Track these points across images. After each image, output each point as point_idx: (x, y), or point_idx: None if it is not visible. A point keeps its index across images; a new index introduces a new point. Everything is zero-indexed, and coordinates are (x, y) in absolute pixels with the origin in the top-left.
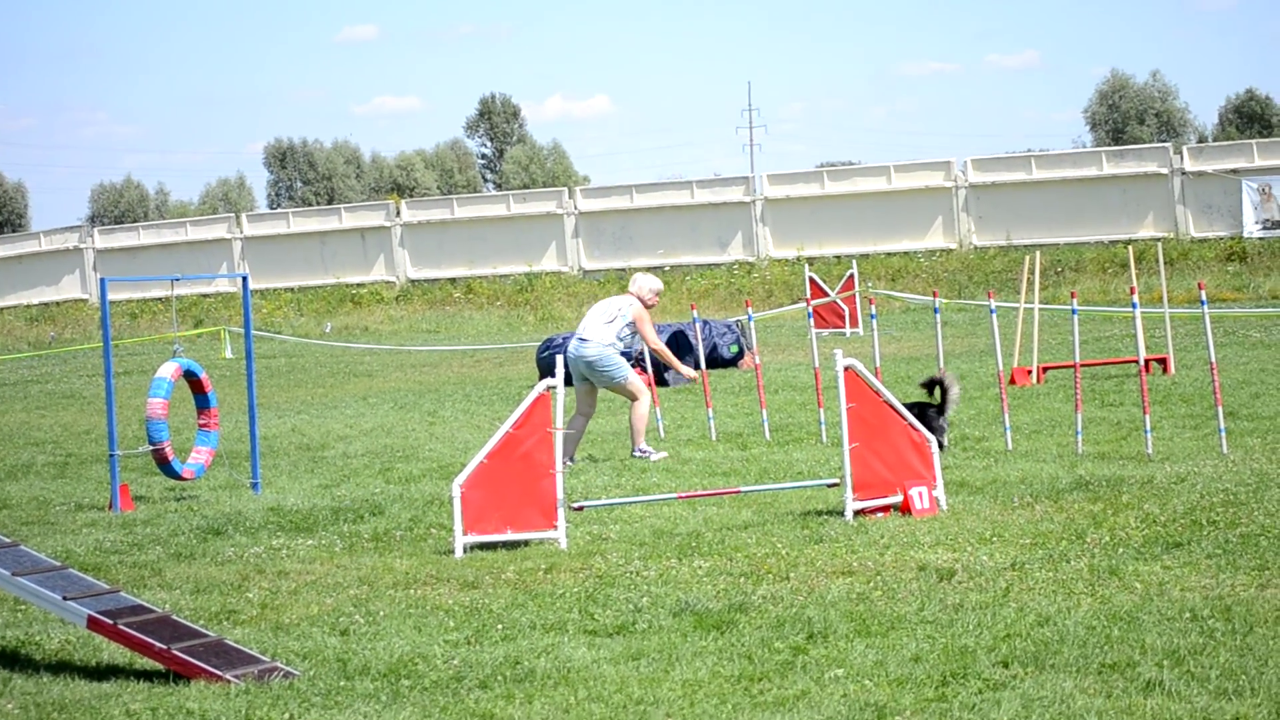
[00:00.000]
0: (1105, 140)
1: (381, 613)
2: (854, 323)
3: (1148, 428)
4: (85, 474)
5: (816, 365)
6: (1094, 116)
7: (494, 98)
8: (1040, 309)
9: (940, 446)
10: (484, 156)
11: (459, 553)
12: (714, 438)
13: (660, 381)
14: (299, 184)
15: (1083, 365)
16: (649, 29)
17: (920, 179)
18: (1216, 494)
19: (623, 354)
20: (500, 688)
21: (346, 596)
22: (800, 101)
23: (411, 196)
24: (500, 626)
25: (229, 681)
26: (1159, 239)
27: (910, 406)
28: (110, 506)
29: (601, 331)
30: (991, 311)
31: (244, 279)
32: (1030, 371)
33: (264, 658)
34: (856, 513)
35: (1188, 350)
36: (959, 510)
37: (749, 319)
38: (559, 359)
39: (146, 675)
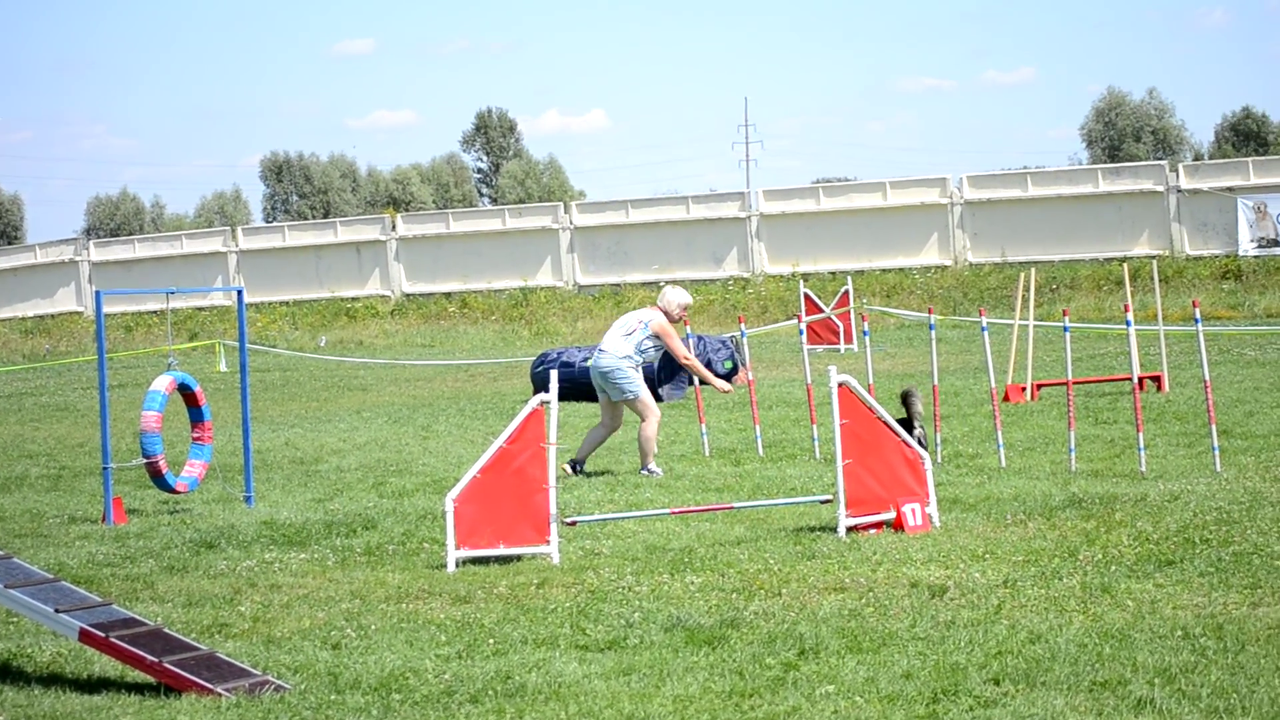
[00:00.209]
0: (1101, 157)
1: (373, 627)
2: (848, 339)
3: (1141, 445)
4: (79, 487)
5: (810, 381)
6: (1090, 134)
7: (490, 112)
8: (1035, 326)
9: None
10: (480, 171)
11: (451, 567)
12: (707, 453)
13: (654, 397)
14: (295, 197)
15: (1076, 382)
16: (645, 44)
17: (916, 195)
18: (1209, 512)
19: (644, 368)
20: (491, 702)
21: (338, 610)
22: (796, 117)
23: (407, 210)
24: (492, 641)
25: (220, 695)
26: (1154, 256)
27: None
28: (103, 519)
29: (620, 344)
30: (983, 329)
31: (239, 292)
32: (1024, 389)
33: (255, 671)
34: (849, 529)
35: (1182, 368)
36: (952, 527)
37: (743, 335)
38: (553, 374)
39: (138, 688)
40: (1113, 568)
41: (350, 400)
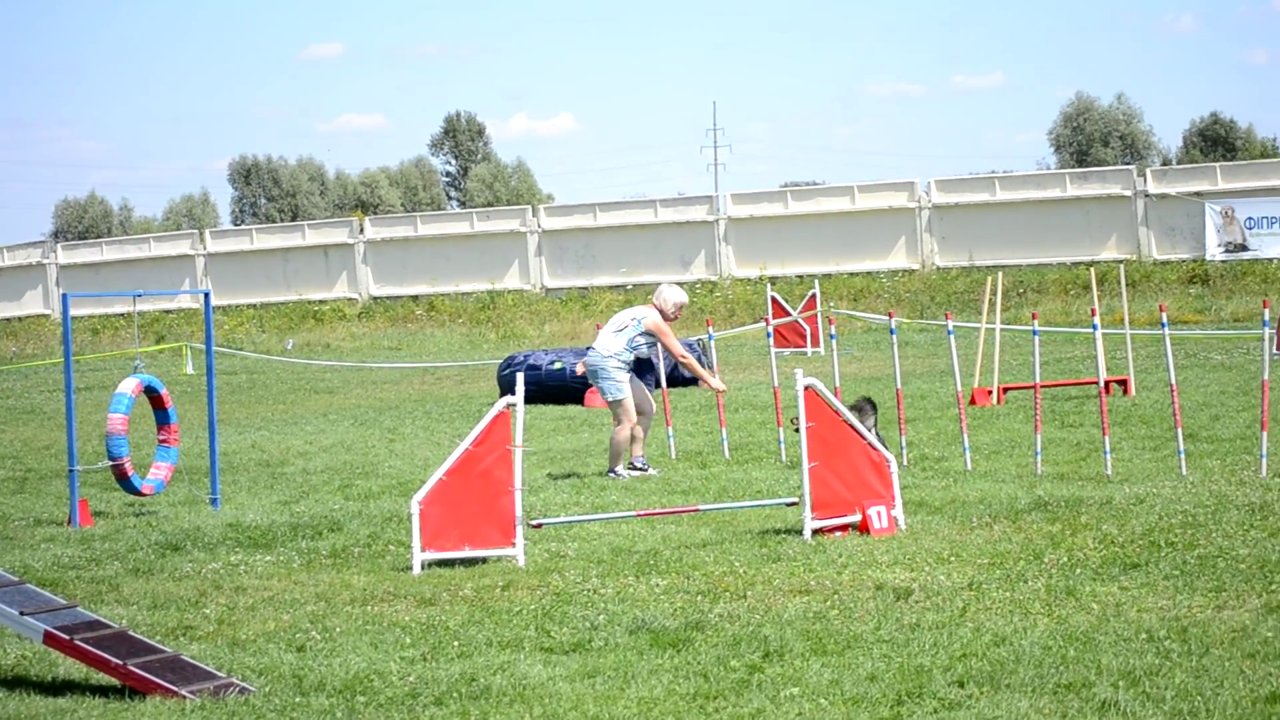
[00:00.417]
0: (1069, 162)
1: (338, 629)
2: (815, 342)
3: (1107, 449)
4: (45, 489)
5: (776, 384)
6: (1058, 138)
7: (459, 116)
8: (1002, 329)
9: None
10: (448, 174)
11: (417, 569)
12: (673, 456)
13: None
14: (263, 201)
15: (1043, 386)
16: (614, 48)
17: (884, 199)
18: (1175, 515)
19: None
20: (456, 705)
21: (304, 613)
22: (765, 121)
23: (375, 214)
24: (457, 643)
25: (185, 697)
26: (1121, 261)
27: None
28: (69, 522)
29: (610, 341)
30: (949, 332)
31: (206, 295)
32: (990, 392)
33: (220, 674)
34: (815, 532)
35: (1148, 372)
36: (917, 530)
37: (710, 338)
38: (519, 377)
39: (103, 691)
40: (1078, 570)
41: (317, 403)
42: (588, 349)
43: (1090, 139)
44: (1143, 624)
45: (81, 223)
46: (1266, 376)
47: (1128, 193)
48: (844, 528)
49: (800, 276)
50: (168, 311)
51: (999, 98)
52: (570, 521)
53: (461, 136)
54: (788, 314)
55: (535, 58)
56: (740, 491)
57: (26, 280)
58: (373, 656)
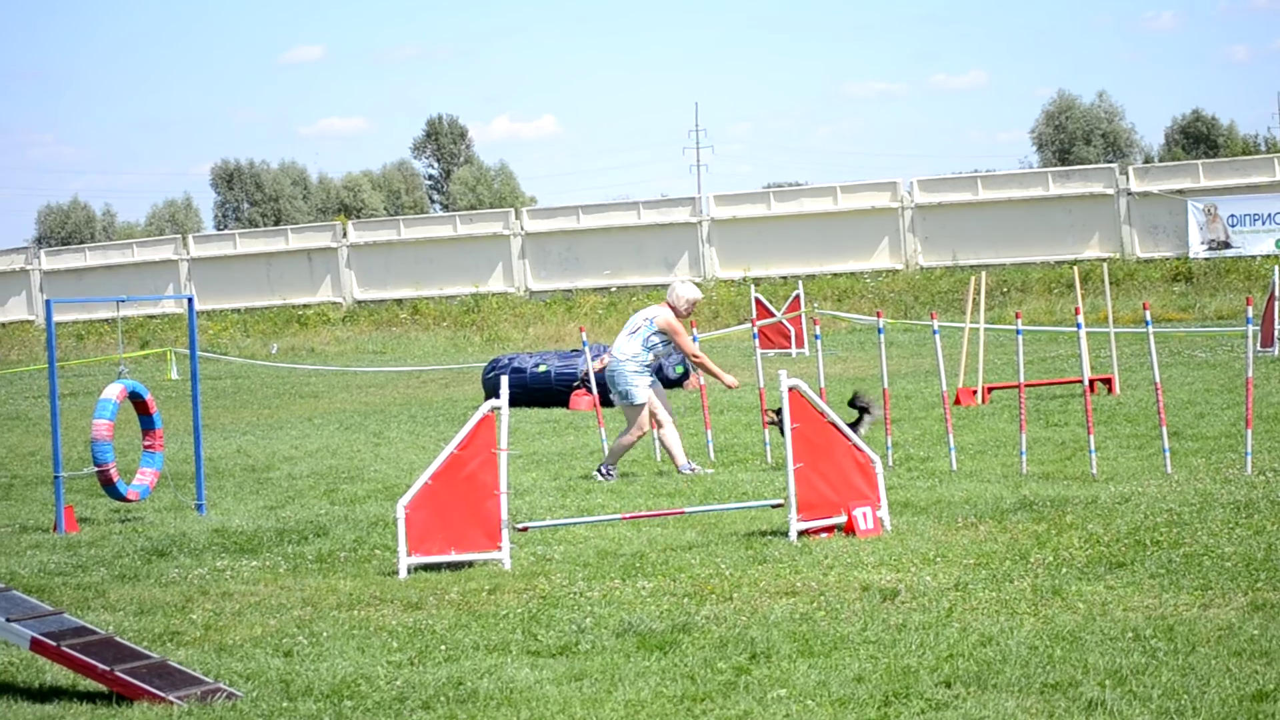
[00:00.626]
0: (1052, 161)
1: (325, 634)
2: (799, 343)
3: (1092, 448)
4: (30, 496)
5: (761, 386)
6: (1040, 137)
7: (441, 119)
8: (986, 329)
9: None
10: (431, 177)
11: (403, 574)
12: (659, 458)
13: (605, 403)
14: (246, 205)
15: (1027, 385)
16: (595, 50)
17: (866, 200)
18: (1160, 514)
19: (655, 367)
20: (443, 708)
21: (290, 618)
22: (747, 122)
23: (358, 217)
24: (444, 647)
25: (172, 703)
26: (1105, 259)
27: None
28: (55, 528)
29: (625, 344)
30: (934, 332)
31: (190, 300)
32: (975, 392)
33: (207, 679)
34: (801, 533)
35: (1133, 370)
36: (903, 530)
37: (694, 340)
38: (504, 380)
39: (90, 697)
40: (1064, 570)
41: (302, 407)
42: (572, 351)
43: (1072, 137)
44: (1129, 623)
45: (64, 228)
46: (1250, 374)
47: (1110, 191)
48: (830, 529)
49: (784, 277)
50: (152, 317)
51: (981, 97)
52: (556, 525)
53: (444, 139)
54: (772, 315)
55: (517, 60)
56: (726, 493)
57: (10, 286)
58: (360, 661)
